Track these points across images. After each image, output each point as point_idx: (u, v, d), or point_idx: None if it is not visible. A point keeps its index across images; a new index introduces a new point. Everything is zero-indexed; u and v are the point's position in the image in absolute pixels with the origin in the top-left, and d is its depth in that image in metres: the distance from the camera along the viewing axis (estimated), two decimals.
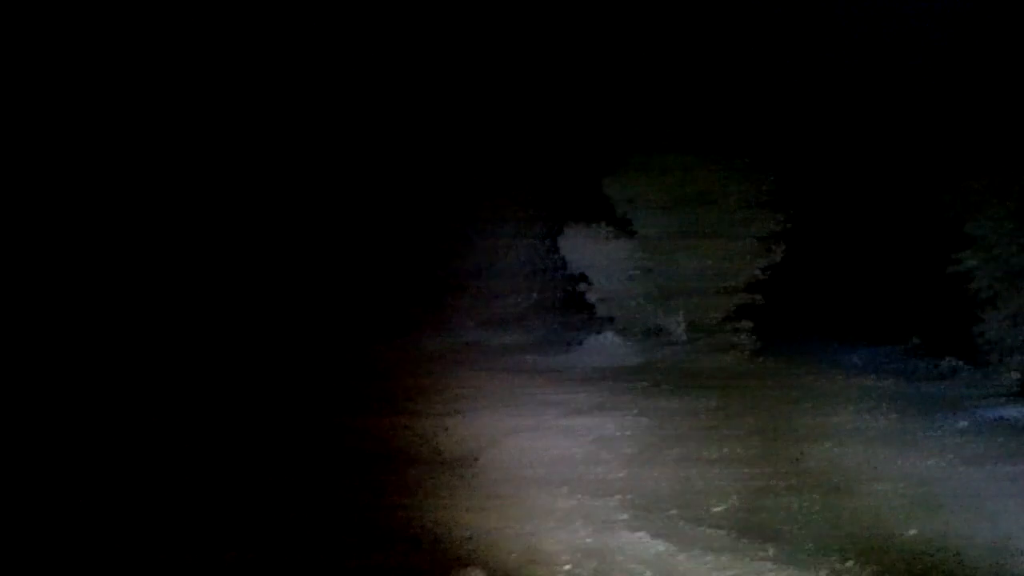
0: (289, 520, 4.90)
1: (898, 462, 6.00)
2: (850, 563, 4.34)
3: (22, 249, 9.70)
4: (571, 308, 12.89)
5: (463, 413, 7.66)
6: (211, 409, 7.86)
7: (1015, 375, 8.92)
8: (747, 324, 11.07)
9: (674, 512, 5.21)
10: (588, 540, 4.62)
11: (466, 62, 13.48)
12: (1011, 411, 7.64)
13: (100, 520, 4.87)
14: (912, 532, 4.77)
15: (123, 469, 5.91)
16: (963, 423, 7.16)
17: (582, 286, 11.60)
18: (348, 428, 7.16)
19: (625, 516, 5.07)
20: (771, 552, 4.50)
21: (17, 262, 9.25)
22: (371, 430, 7.10)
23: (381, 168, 13.14)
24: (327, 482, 5.65)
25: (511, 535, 4.68)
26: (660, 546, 4.50)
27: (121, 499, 5.26)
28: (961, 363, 9.51)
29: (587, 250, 11.43)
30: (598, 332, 11.39)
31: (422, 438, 6.93)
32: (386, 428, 7.16)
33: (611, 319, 11.48)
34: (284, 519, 4.92)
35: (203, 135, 12.16)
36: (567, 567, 4.27)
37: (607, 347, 11.01)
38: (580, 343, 11.35)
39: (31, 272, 9.37)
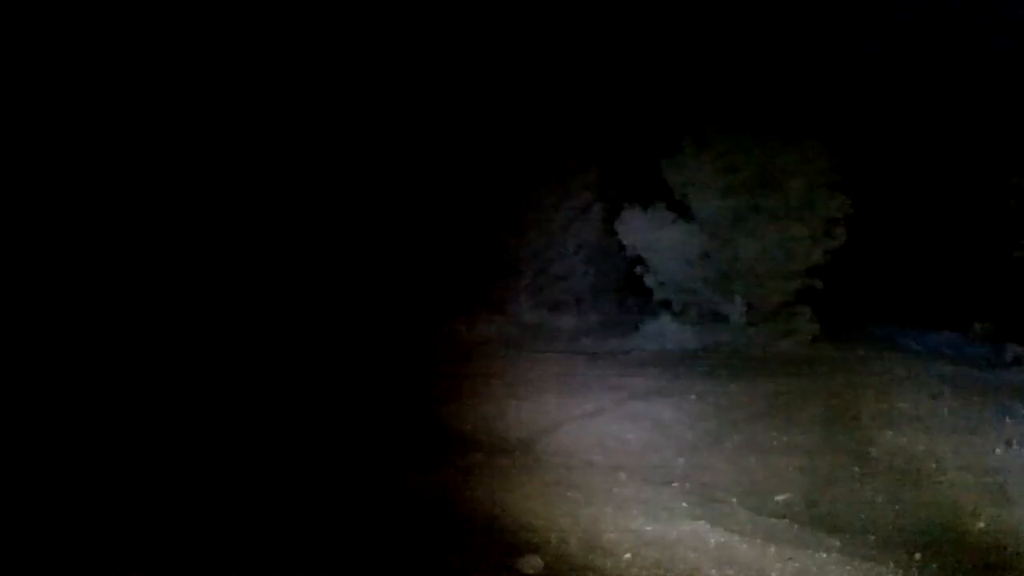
0: (348, 504, 4.96)
1: (963, 451, 5.86)
2: (918, 556, 4.28)
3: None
4: (629, 292, 12.84)
5: (521, 397, 7.67)
6: (272, 391, 8.00)
7: None
8: (807, 309, 10.90)
9: (734, 501, 5.19)
10: (648, 528, 4.60)
11: (522, 44, 13.42)
12: None
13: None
14: (980, 524, 4.68)
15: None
16: None
17: (639, 269, 11.51)
18: (407, 413, 7.22)
19: (685, 504, 5.06)
20: (835, 543, 4.46)
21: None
22: (430, 415, 7.15)
23: (440, 151, 13.17)
24: (386, 467, 5.70)
25: (570, 522, 4.69)
26: (721, 536, 4.48)
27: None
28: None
29: (645, 233, 11.33)
30: (656, 316, 11.32)
31: (482, 423, 6.96)
32: (445, 413, 7.20)
33: (669, 303, 11.40)
34: (344, 504, 4.98)
35: (246, 114, 12.25)
36: (627, 556, 4.27)
37: (665, 331, 10.95)
38: (637, 327, 11.30)
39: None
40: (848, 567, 4.12)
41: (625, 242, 11.55)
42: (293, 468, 5.63)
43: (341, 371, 8.96)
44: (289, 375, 8.67)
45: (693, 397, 7.68)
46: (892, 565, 4.15)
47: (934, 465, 5.61)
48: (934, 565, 4.17)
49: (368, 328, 11.25)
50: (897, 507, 4.99)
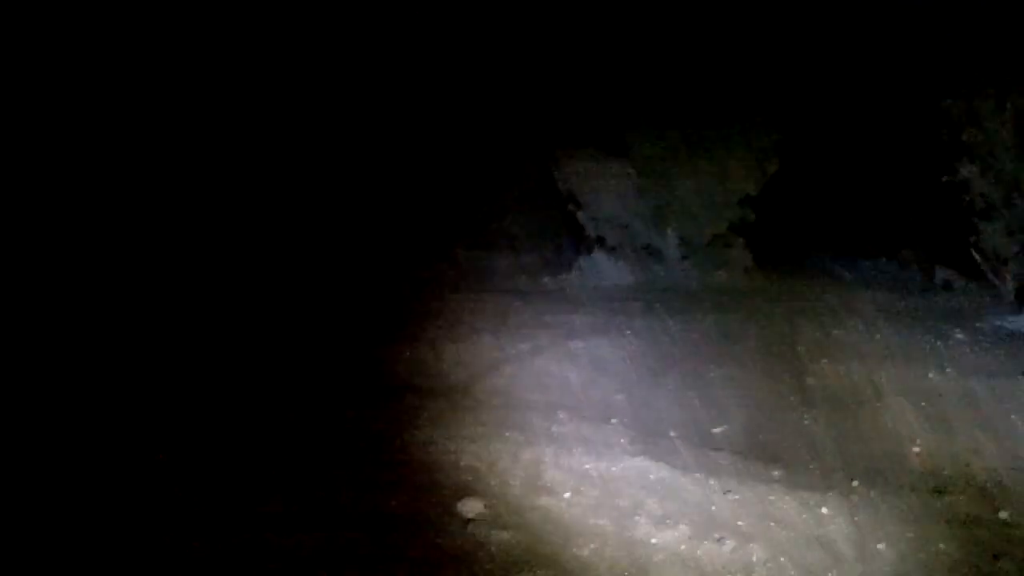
0: (282, 452, 4.80)
1: (900, 378, 5.90)
2: (856, 483, 4.28)
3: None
4: (562, 230, 12.71)
5: (458, 339, 7.51)
6: (213, 328, 7.76)
7: (1011, 285, 8.81)
8: (741, 241, 10.90)
9: (674, 435, 5.15)
10: (588, 466, 4.54)
11: None
12: (1009, 322, 7.57)
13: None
14: (917, 449, 4.72)
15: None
16: (961, 335, 7.07)
17: (572, 207, 11.37)
18: (340, 356, 7.03)
19: (625, 440, 5.00)
20: (776, 474, 4.44)
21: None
22: (365, 358, 6.97)
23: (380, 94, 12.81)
24: (319, 411, 5.54)
25: (510, 463, 4.60)
26: (662, 471, 4.44)
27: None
28: (957, 275, 9.40)
29: (578, 170, 11.18)
30: (590, 253, 11.21)
31: (418, 365, 6.81)
32: (380, 356, 7.02)
33: (603, 240, 11.29)
34: (279, 450, 4.83)
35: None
36: (568, 494, 4.20)
37: (600, 268, 10.85)
38: (572, 265, 11.19)
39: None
40: (789, 496, 4.10)
41: (559, 181, 11.38)
42: (219, 408, 5.48)
43: (272, 312, 8.69)
44: (221, 317, 8.37)
45: (630, 333, 7.61)
46: (833, 493, 4.14)
47: (871, 392, 5.64)
48: (874, 491, 4.17)
49: (302, 271, 10.94)
50: (836, 435, 5.00)
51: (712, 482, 4.27)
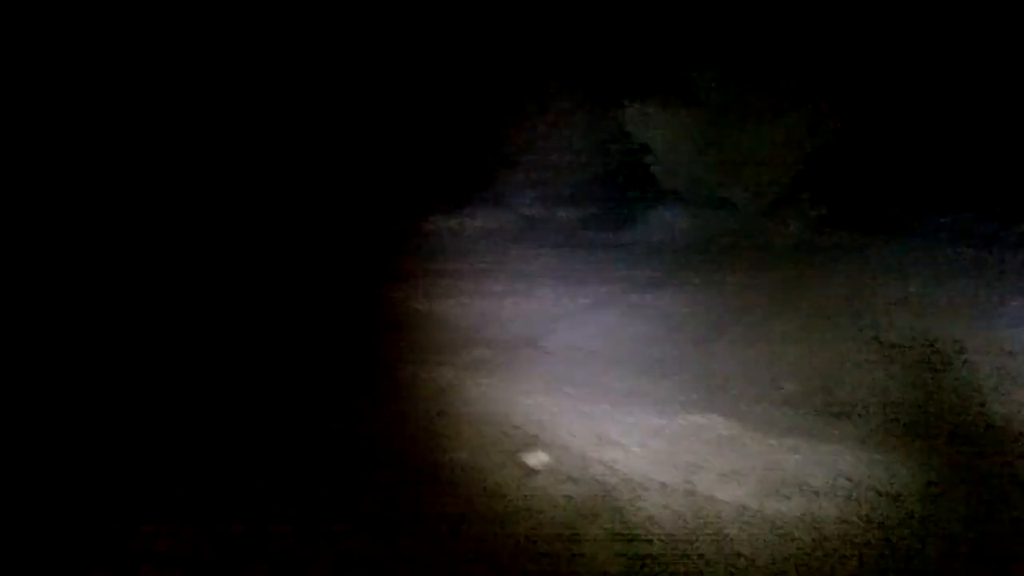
0: (348, 407, 4.86)
1: (982, 334, 5.69)
2: (940, 442, 4.15)
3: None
4: (632, 182, 12.53)
5: (521, 292, 7.49)
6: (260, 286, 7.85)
7: None
8: (808, 195, 10.62)
9: (739, 392, 5.05)
10: (653, 421, 4.50)
11: None
12: None
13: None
14: (1001, 409, 4.55)
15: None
16: None
17: (645, 158, 11.20)
18: (405, 308, 7.07)
19: (689, 396, 4.94)
20: (846, 431, 4.33)
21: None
22: (430, 311, 6.99)
23: (433, 40, 12.64)
24: (383, 365, 5.58)
25: (575, 416, 4.58)
26: (726, 428, 4.37)
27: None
28: None
29: (648, 121, 10.98)
30: (657, 206, 11.06)
31: (482, 318, 6.80)
32: (445, 308, 7.04)
33: (674, 192, 11.11)
34: (346, 407, 4.88)
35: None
36: (632, 449, 4.17)
37: (669, 221, 10.70)
38: (639, 218, 11.04)
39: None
40: (859, 454, 4.00)
41: (628, 130, 11.20)
42: (283, 369, 5.53)
43: (333, 264, 8.76)
44: (283, 269, 8.46)
45: (695, 287, 7.49)
46: (913, 453, 4.02)
47: (952, 349, 5.45)
48: (956, 451, 4.04)
49: (361, 220, 10.98)
50: (915, 393, 4.85)
51: (777, 440, 4.20)
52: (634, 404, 4.74)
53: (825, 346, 5.75)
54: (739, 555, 3.23)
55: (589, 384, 5.13)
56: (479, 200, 12.01)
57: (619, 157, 12.18)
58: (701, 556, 3.23)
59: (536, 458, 4.04)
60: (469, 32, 12.65)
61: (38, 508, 3.72)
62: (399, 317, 6.87)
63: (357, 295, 7.58)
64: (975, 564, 3.19)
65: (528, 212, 11.98)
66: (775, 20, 10.83)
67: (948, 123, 11.47)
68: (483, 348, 5.93)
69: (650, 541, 3.35)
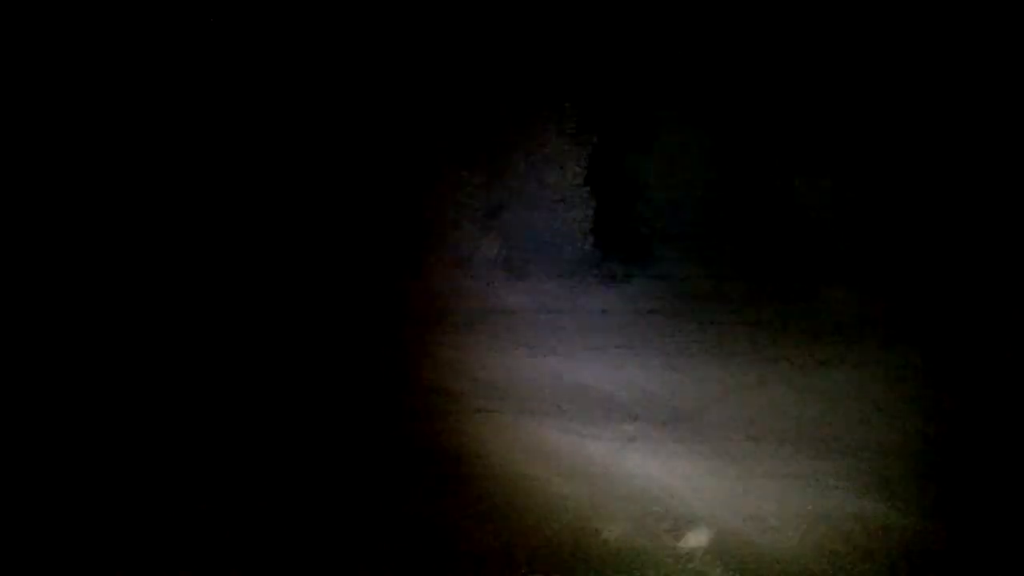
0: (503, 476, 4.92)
1: None
2: None
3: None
4: (799, 257, 12.28)
5: (681, 369, 7.42)
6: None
7: None
8: None
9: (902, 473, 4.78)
10: (815, 504, 4.34)
11: None
12: None
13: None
14: None
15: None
16: None
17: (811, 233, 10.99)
18: (561, 380, 7.10)
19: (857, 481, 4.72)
20: None
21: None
22: (584, 384, 7.00)
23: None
24: (539, 436, 5.61)
25: (733, 496, 4.47)
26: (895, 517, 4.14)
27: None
28: None
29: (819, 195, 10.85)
30: (831, 283, 10.78)
31: (641, 392, 6.75)
32: (599, 382, 7.02)
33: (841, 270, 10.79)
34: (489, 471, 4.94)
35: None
36: (790, 533, 4.02)
37: (839, 299, 10.40)
38: (807, 295, 10.75)
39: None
40: None
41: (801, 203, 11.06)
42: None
43: (478, 340, 8.92)
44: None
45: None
46: None
47: None
48: None
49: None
50: None
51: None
52: (796, 486, 4.57)
53: None
54: None
55: (749, 462, 4.99)
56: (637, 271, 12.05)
57: (786, 231, 11.94)
58: None
59: (691, 539, 3.97)
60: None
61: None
62: (552, 388, 6.90)
63: (509, 366, 7.69)
64: None
65: (689, 285, 11.87)
66: None
67: None
68: (639, 423, 5.88)
69: None
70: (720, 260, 12.04)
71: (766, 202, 12.07)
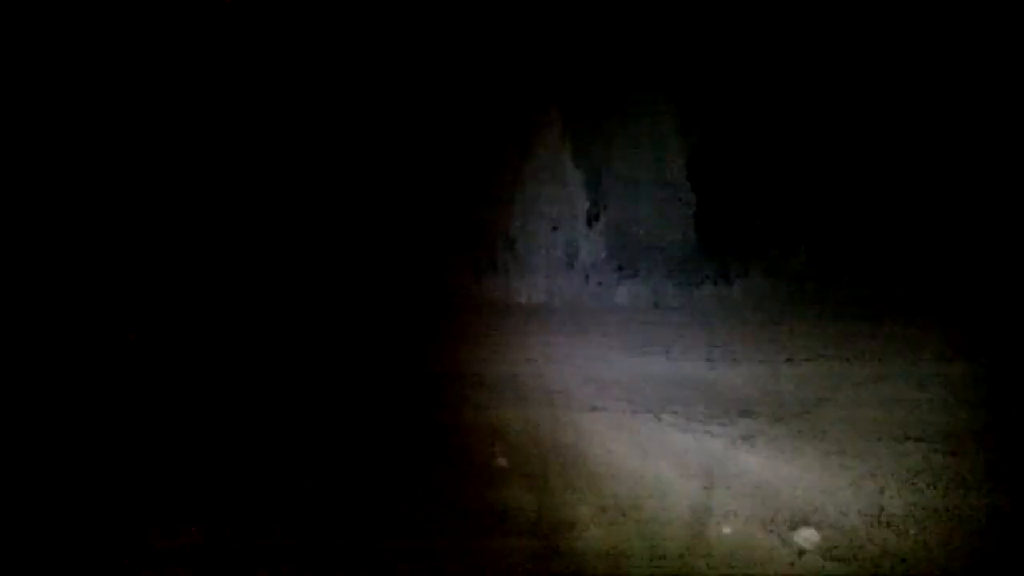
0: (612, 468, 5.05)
1: None
2: None
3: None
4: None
5: (797, 362, 7.39)
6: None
7: None
8: None
9: None
10: (937, 501, 4.32)
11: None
12: None
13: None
14: None
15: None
16: None
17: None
18: (680, 373, 7.18)
19: (980, 475, 4.67)
20: None
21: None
22: (702, 377, 7.07)
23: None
24: (660, 428, 5.72)
25: (849, 493, 4.49)
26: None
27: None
28: None
29: None
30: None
31: (756, 386, 6.78)
32: (717, 376, 7.08)
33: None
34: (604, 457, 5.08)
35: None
36: (911, 531, 4.03)
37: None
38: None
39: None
40: None
41: None
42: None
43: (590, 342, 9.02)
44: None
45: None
46: None
47: None
48: None
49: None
50: None
51: None
52: (913, 482, 4.55)
53: None
54: None
55: (863, 457, 4.99)
56: (749, 265, 11.98)
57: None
58: None
59: (806, 536, 4.02)
60: None
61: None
62: (668, 385, 6.99)
63: (623, 364, 7.81)
64: None
65: (804, 280, 11.72)
66: None
67: None
68: (756, 419, 5.92)
69: None
70: (834, 251, 11.88)
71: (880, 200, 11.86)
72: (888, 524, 4.09)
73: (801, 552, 3.89)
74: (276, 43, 12.58)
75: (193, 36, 12.16)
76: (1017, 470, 4.73)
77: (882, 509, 4.25)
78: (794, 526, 4.12)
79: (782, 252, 12.25)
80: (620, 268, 13.65)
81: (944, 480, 4.59)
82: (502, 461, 5.06)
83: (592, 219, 13.94)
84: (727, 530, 4.15)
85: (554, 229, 13.78)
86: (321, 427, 5.85)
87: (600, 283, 13.32)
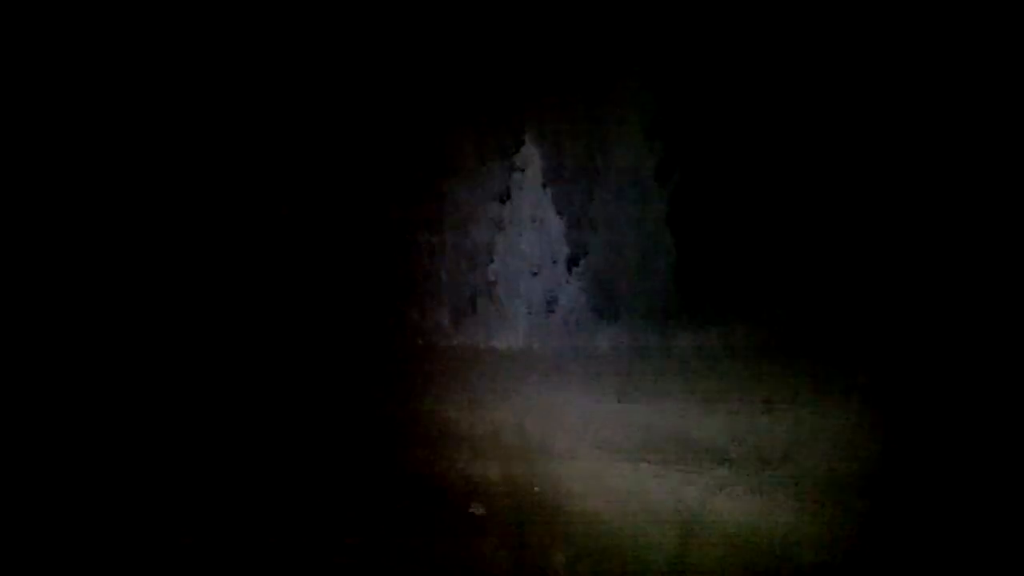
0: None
1: None
2: None
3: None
4: None
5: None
6: None
7: None
8: None
9: None
10: None
11: None
12: None
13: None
14: None
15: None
16: None
17: None
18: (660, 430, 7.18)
19: None
20: None
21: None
22: (676, 429, 7.05)
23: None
24: (644, 479, 5.70)
25: None
26: None
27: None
28: None
29: None
30: None
31: (730, 435, 6.78)
32: (690, 425, 7.08)
33: None
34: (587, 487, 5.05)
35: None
36: None
37: None
38: None
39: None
40: None
41: None
42: None
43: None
44: None
45: None
46: None
47: None
48: None
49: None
50: None
51: None
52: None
53: None
54: None
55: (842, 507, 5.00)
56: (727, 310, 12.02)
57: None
58: None
59: None
60: None
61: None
62: (645, 431, 6.97)
63: (600, 409, 7.79)
64: None
65: (782, 325, 11.79)
66: None
67: None
68: (733, 467, 5.91)
69: None
70: (811, 300, 11.97)
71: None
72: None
73: None
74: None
75: None
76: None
77: (871, 557, 4.25)
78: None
79: (760, 300, 12.33)
80: (599, 314, 13.67)
81: None
82: (479, 509, 5.03)
83: (572, 265, 13.98)
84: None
85: (534, 275, 13.79)
86: (296, 479, 5.78)
87: (579, 329, 13.33)
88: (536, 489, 5.41)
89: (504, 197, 14.44)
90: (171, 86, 12.31)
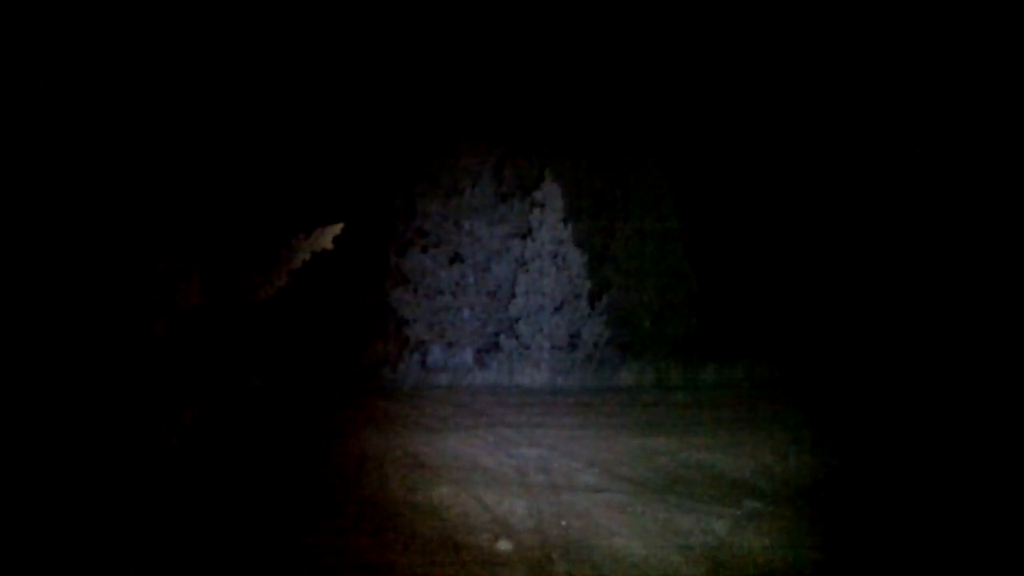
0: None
1: None
2: None
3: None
4: None
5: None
6: None
7: None
8: None
9: None
10: None
11: None
12: None
13: None
14: None
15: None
16: None
17: None
18: (675, 461, 7.14)
19: None
20: None
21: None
22: (698, 463, 7.02)
23: None
24: (660, 511, 5.67)
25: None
26: None
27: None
28: None
29: None
30: None
31: (756, 470, 6.74)
32: (713, 460, 7.04)
33: None
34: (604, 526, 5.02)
35: None
36: None
37: None
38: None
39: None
40: None
41: None
42: None
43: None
44: None
45: None
46: None
47: None
48: None
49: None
50: None
51: None
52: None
53: None
54: None
55: (876, 540, 4.94)
56: (750, 345, 11.99)
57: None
58: None
59: None
60: None
61: None
62: (672, 465, 6.94)
63: (625, 444, 7.76)
64: None
65: (807, 359, 11.73)
66: None
67: None
68: (761, 500, 5.86)
69: None
70: (834, 335, 11.92)
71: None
72: None
73: None
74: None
75: None
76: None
77: None
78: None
79: (786, 333, 12.28)
80: (623, 348, 13.66)
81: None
82: (505, 545, 5.01)
83: (595, 300, 13.99)
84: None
85: (556, 310, 13.81)
86: (315, 519, 5.79)
87: (603, 363, 13.32)
88: (563, 523, 5.37)
89: (525, 233, 14.53)
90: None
